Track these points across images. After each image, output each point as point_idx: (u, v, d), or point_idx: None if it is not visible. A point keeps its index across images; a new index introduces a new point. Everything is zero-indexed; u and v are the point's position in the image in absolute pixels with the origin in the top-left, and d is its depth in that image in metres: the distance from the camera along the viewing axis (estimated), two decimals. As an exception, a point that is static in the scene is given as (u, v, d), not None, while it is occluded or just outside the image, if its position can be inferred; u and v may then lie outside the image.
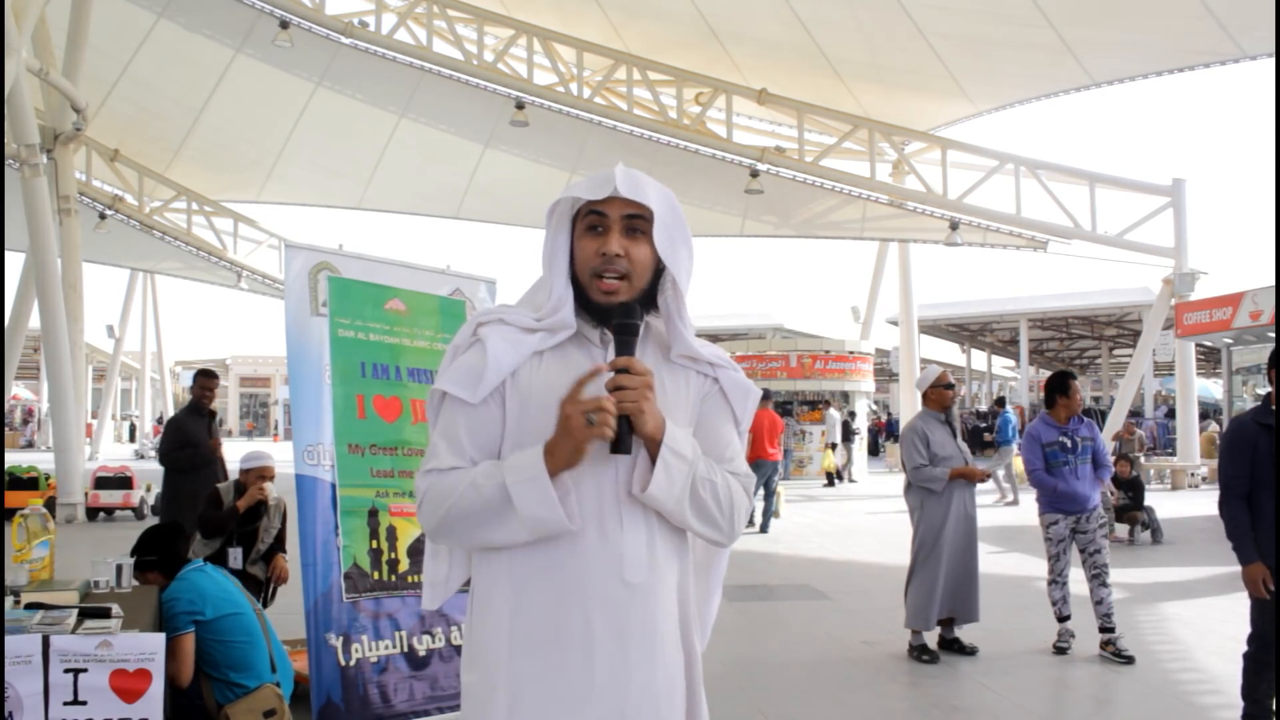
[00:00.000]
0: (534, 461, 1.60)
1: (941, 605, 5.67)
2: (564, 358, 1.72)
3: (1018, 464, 14.60)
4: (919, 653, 5.62)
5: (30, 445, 32.83)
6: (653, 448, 1.64)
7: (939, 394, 5.95)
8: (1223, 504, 3.92)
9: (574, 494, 1.63)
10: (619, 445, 1.61)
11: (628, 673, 1.64)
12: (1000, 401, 17.95)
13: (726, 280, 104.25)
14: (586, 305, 1.72)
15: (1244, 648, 4.02)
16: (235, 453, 6.26)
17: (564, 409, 1.60)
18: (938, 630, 5.81)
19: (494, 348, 1.68)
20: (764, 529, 11.39)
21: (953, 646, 5.76)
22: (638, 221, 1.71)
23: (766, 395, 12.78)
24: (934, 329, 34.14)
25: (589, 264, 1.70)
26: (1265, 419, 3.86)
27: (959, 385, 45.18)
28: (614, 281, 1.69)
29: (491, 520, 1.62)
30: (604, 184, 1.70)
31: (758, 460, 11.54)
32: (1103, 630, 5.62)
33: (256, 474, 5.44)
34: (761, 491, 11.58)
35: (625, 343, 1.65)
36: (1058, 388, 5.85)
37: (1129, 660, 5.47)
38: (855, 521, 12.63)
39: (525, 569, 1.65)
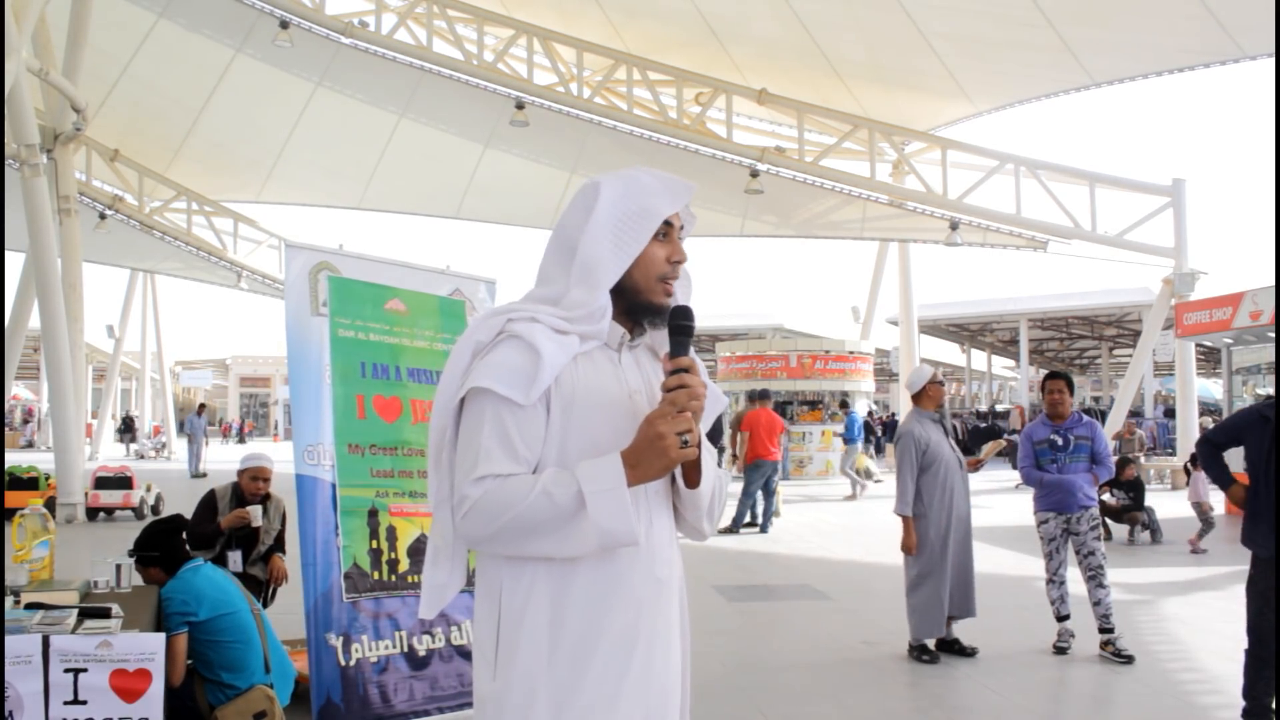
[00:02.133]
0: (614, 471, 1.57)
1: (946, 609, 5.64)
2: (592, 362, 1.72)
3: (861, 460, 17.04)
4: (919, 653, 5.61)
5: (30, 445, 32.83)
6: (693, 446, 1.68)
7: (936, 391, 5.90)
8: (1199, 445, 4.39)
9: (634, 505, 1.61)
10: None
11: (653, 668, 1.67)
12: (844, 404, 18.24)
13: (726, 280, 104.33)
14: (629, 309, 1.74)
15: (1244, 646, 4.03)
16: (239, 454, 6.25)
17: (658, 428, 1.58)
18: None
19: (546, 347, 1.62)
20: (764, 529, 11.39)
21: (952, 648, 5.73)
22: (682, 230, 1.79)
23: (765, 395, 12.77)
24: (934, 329, 34.19)
25: (658, 269, 1.73)
26: (1268, 411, 4.01)
27: (959, 385, 45.24)
28: (674, 285, 1.75)
29: (559, 530, 1.57)
30: (680, 194, 1.74)
31: (757, 460, 11.54)
32: (1102, 631, 5.62)
33: (250, 475, 5.41)
34: (761, 491, 11.58)
35: (682, 343, 1.67)
36: (1040, 388, 5.98)
37: (1129, 660, 5.47)
38: (855, 521, 12.63)
39: (563, 574, 1.63)
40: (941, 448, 5.74)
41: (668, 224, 1.73)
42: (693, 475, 1.70)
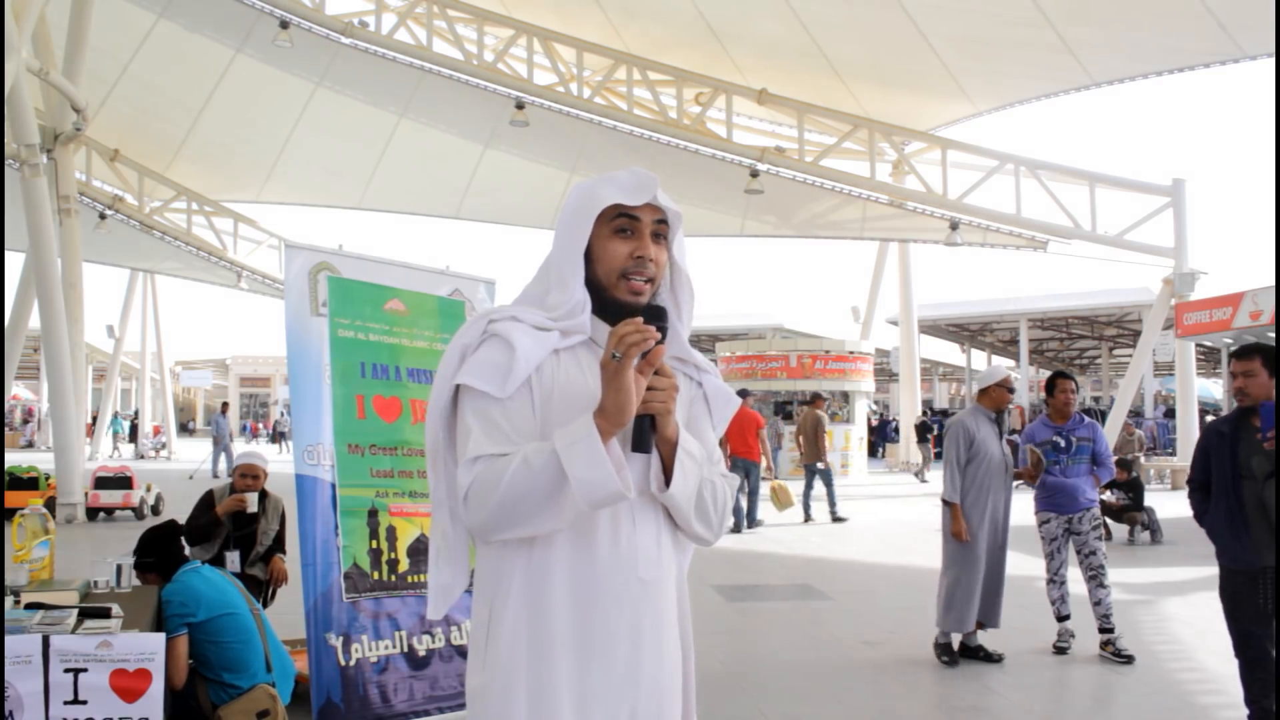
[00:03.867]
0: (583, 424, 1.56)
1: (976, 607, 5.56)
2: (576, 358, 1.73)
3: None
4: (942, 652, 5.55)
5: (30, 445, 32.83)
6: (667, 448, 1.67)
7: (999, 394, 5.79)
8: (1190, 497, 4.23)
9: (627, 468, 1.59)
10: (641, 444, 1.62)
11: (639, 670, 1.67)
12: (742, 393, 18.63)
13: (726, 280, 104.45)
14: (602, 307, 1.73)
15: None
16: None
17: (623, 377, 1.56)
18: (958, 636, 5.70)
19: (521, 342, 1.66)
20: (736, 528, 11.46)
21: (976, 654, 5.63)
22: (661, 227, 1.75)
23: (744, 393, 13.06)
24: (934, 329, 34.17)
25: (619, 265, 1.71)
26: (1222, 426, 4.02)
27: (959, 386, 45.21)
28: (643, 284, 1.72)
29: (546, 496, 1.56)
30: (642, 189, 1.71)
31: (752, 461, 11.84)
32: (1102, 631, 5.62)
33: (241, 472, 5.43)
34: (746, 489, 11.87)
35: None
36: (1047, 388, 5.94)
37: (1129, 660, 5.47)
38: (855, 521, 12.63)
39: (543, 570, 1.64)
40: (989, 445, 5.65)
41: (632, 219, 1.71)
42: (668, 478, 1.68)
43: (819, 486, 12.81)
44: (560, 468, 1.54)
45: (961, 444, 5.61)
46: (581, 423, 1.57)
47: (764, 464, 12.33)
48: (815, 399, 13.84)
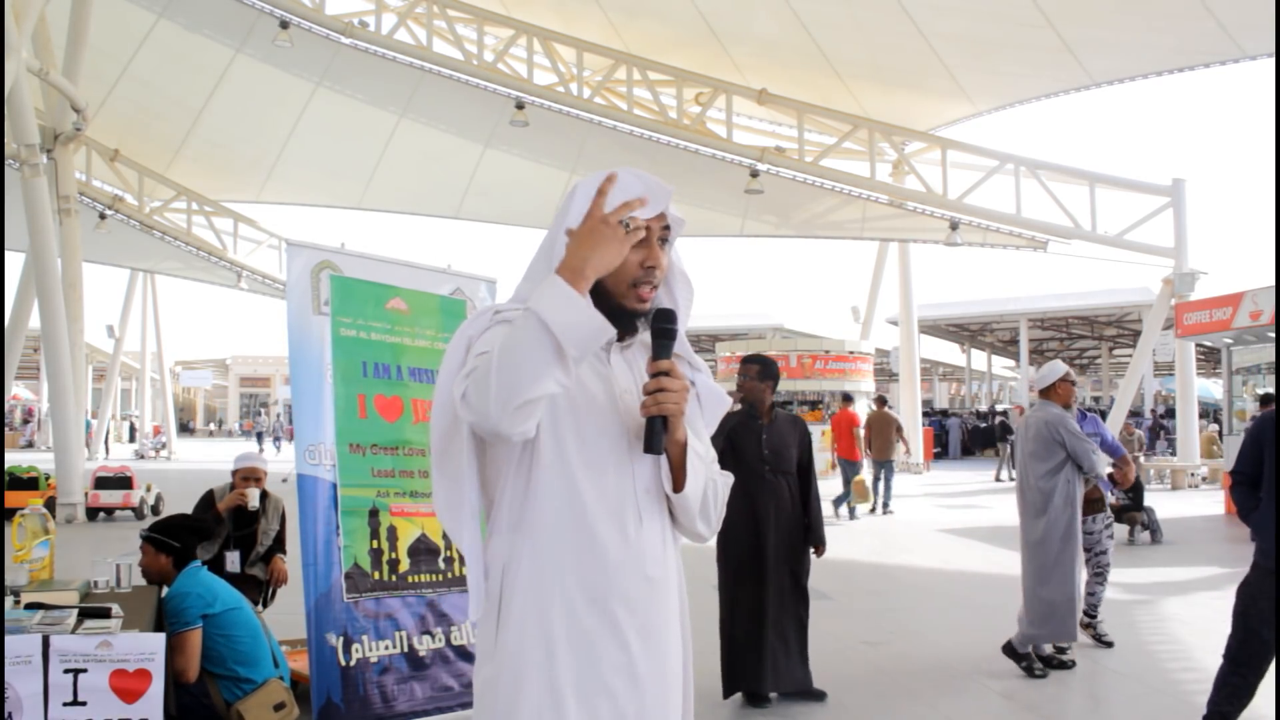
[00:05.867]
0: (548, 279, 1.56)
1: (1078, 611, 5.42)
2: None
3: None
4: (1037, 662, 5.33)
5: (30, 445, 32.84)
6: (676, 450, 1.68)
7: (1066, 389, 5.60)
8: (1233, 491, 3.95)
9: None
10: (652, 446, 1.63)
11: (646, 666, 1.68)
12: None
13: (726, 280, 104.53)
14: (606, 312, 1.70)
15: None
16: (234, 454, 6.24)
17: (595, 217, 1.58)
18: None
19: None
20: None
21: (1050, 663, 5.47)
22: (666, 232, 1.75)
23: (848, 398, 14.36)
24: (934, 329, 34.21)
25: (630, 274, 1.70)
26: None
27: (958, 385, 45.19)
28: (650, 291, 1.72)
29: (534, 355, 1.50)
30: (659, 199, 1.70)
31: (851, 460, 13.00)
32: (1086, 614, 5.67)
33: (243, 474, 5.42)
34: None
35: (664, 346, 1.67)
36: None
37: (1108, 645, 5.59)
38: (855, 522, 12.63)
39: (553, 569, 1.65)
40: None
41: (645, 226, 1.70)
42: (679, 479, 1.70)
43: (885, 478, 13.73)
44: (540, 323, 1.51)
45: (1072, 423, 5.42)
46: (547, 279, 1.56)
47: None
48: (880, 400, 14.62)
